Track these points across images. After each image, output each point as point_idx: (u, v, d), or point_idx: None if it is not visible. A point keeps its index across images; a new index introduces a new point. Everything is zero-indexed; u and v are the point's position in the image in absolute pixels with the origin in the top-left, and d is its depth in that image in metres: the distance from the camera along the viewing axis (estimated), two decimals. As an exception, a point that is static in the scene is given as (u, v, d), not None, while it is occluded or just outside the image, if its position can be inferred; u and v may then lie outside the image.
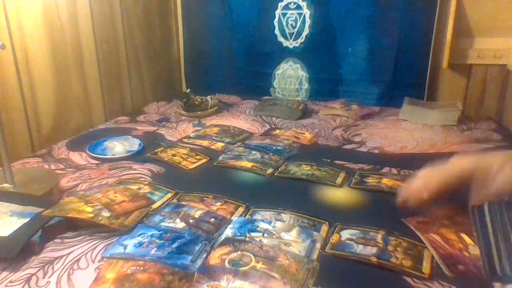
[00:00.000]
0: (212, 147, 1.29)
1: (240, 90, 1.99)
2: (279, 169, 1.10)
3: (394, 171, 1.10)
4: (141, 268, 0.68)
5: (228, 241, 0.75)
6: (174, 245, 0.74)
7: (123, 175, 1.08)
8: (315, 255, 0.72)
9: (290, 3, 1.84)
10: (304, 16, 1.82)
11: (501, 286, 0.42)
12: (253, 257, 0.70)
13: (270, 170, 1.10)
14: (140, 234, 0.78)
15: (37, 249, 0.74)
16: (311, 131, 1.46)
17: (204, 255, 0.72)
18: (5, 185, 0.94)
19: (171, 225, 0.82)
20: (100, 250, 0.74)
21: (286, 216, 0.85)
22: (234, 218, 0.86)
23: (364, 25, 1.72)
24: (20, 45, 1.25)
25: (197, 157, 1.19)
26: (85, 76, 1.53)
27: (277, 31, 1.89)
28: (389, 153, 1.25)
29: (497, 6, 1.55)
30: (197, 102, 1.68)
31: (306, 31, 1.83)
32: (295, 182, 1.04)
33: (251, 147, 1.26)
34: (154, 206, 0.90)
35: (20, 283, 0.66)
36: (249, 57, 1.97)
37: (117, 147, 1.25)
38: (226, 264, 0.68)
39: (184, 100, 1.67)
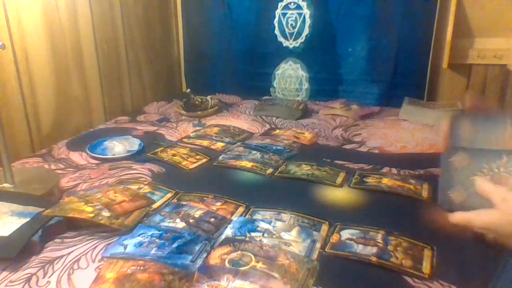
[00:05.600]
0: (212, 147, 1.29)
1: (240, 90, 1.99)
2: (279, 169, 1.10)
3: (394, 171, 1.10)
4: (141, 268, 0.68)
5: (228, 241, 0.75)
6: (174, 245, 0.74)
7: (123, 175, 1.08)
8: (315, 255, 0.72)
9: (290, 3, 1.84)
10: (304, 16, 1.82)
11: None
12: (253, 257, 0.70)
13: (270, 170, 1.10)
14: (140, 234, 0.78)
15: (37, 249, 0.74)
16: (311, 131, 1.46)
17: (204, 255, 0.72)
18: (5, 185, 0.94)
19: (171, 225, 0.82)
20: (100, 250, 0.74)
21: (286, 216, 0.85)
22: (234, 218, 0.86)
23: (364, 25, 1.72)
24: (20, 45, 1.25)
25: (197, 157, 1.19)
26: (85, 76, 1.53)
27: (277, 31, 1.89)
28: (389, 153, 1.25)
29: (497, 6, 1.55)
30: (197, 102, 1.68)
31: (306, 31, 1.83)
32: (295, 182, 1.04)
33: (251, 147, 1.26)
34: (154, 206, 0.90)
35: (20, 283, 0.66)
36: (249, 57, 1.97)
37: (117, 147, 1.25)
38: (226, 264, 0.68)
39: (184, 100, 1.67)
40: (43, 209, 0.83)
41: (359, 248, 0.74)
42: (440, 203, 0.57)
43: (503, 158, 0.54)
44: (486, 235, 0.57)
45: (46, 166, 1.15)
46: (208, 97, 1.74)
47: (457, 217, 0.55)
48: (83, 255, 0.73)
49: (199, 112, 1.66)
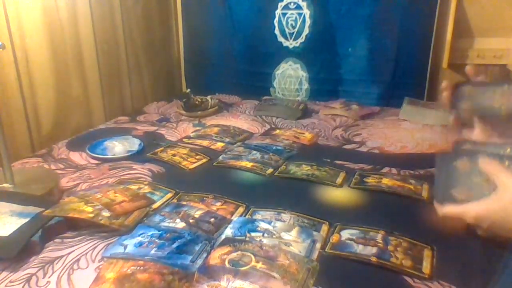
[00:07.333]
0: (212, 147, 1.29)
1: (240, 90, 1.99)
2: (279, 169, 1.10)
3: (394, 171, 1.10)
4: (141, 268, 0.68)
5: (228, 241, 0.75)
6: (174, 245, 0.74)
7: (123, 175, 1.08)
8: (315, 255, 0.72)
9: (290, 3, 1.84)
10: (304, 16, 1.82)
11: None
12: (253, 257, 0.70)
13: (270, 170, 1.10)
14: (140, 234, 0.78)
15: (37, 249, 0.74)
16: (311, 131, 1.46)
17: (204, 255, 0.72)
18: (5, 185, 0.94)
19: (171, 225, 0.82)
20: (100, 250, 0.74)
21: (286, 216, 0.85)
22: (234, 218, 0.86)
23: (364, 25, 1.72)
24: (20, 45, 1.25)
25: (197, 157, 1.19)
26: (85, 76, 1.53)
27: (277, 31, 1.89)
28: (389, 153, 1.25)
29: (497, 6, 1.55)
30: (197, 102, 1.68)
31: (306, 31, 1.83)
32: (295, 182, 1.04)
33: (251, 147, 1.26)
34: (154, 206, 0.90)
35: (20, 283, 0.66)
36: (249, 57, 1.97)
37: (117, 147, 1.25)
38: (226, 264, 0.68)
39: (184, 100, 1.67)
40: (43, 209, 0.83)
41: (359, 248, 0.74)
42: (437, 201, 0.59)
43: (507, 149, 0.54)
44: (479, 226, 0.57)
45: (46, 166, 1.15)
46: (208, 97, 1.74)
47: (450, 208, 0.54)
48: (83, 255, 0.73)
49: (199, 112, 1.66)
